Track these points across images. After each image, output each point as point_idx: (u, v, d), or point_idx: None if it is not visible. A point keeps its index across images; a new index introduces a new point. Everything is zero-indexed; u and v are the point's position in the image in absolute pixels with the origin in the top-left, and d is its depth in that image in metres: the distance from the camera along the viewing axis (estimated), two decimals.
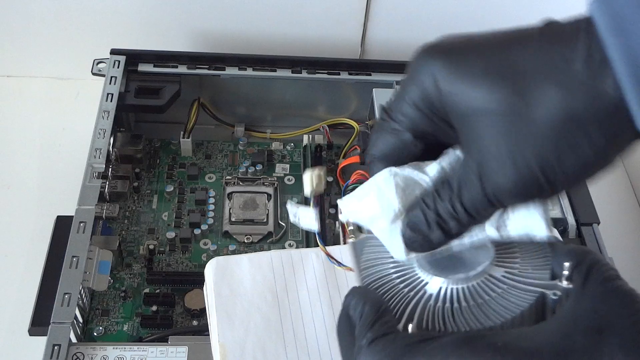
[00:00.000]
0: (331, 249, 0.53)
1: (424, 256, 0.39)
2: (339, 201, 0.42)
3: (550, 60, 0.33)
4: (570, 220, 0.61)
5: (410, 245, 0.38)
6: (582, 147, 0.32)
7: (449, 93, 0.35)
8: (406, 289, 0.39)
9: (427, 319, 0.37)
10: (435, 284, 0.39)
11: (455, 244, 0.38)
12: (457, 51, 0.36)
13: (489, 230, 0.38)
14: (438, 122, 0.37)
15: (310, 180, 0.50)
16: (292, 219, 0.53)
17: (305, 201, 0.72)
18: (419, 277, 0.39)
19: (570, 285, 0.36)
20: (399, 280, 0.39)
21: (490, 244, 0.39)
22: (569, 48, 0.33)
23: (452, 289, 0.38)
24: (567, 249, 0.38)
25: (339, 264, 0.52)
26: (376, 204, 0.39)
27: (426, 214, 0.37)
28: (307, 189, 0.50)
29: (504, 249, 0.40)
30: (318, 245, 0.66)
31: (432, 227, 0.36)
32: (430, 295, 0.38)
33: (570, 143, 0.32)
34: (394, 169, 0.39)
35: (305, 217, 0.52)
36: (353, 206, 0.40)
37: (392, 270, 0.40)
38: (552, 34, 0.34)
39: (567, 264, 0.36)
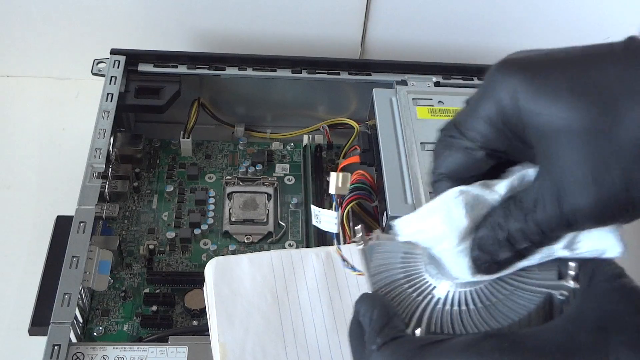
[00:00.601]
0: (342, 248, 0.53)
1: (431, 261, 0.39)
2: (397, 220, 0.40)
3: (636, 78, 0.32)
4: None
5: (478, 265, 0.37)
6: None
7: (529, 110, 0.34)
8: (415, 294, 0.39)
9: (436, 322, 0.37)
10: (443, 288, 0.38)
11: (523, 264, 0.37)
12: (538, 67, 0.34)
13: (558, 251, 0.37)
14: (513, 140, 0.35)
15: (336, 181, 0.49)
16: (314, 220, 0.52)
17: (305, 200, 0.72)
18: (427, 282, 0.39)
19: (577, 285, 0.36)
20: (407, 285, 0.39)
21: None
22: None
23: (459, 292, 0.38)
24: None
25: (353, 268, 0.51)
26: (443, 223, 0.37)
27: (496, 232, 0.35)
28: (332, 189, 0.49)
29: None
30: (318, 245, 0.66)
31: (502, 246, 0.35)
32: (439, 299, 0.38)
33: None
34: (463, 188, 0.37)
35: (326, 219, 0.52)
36: (415, 225, 0.39)
37: (401, 276, 0.40)
38: (637, 51, 0.33)
39: (572, 264, 0.36)
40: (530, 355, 0.32)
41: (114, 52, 0.73)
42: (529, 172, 0.37)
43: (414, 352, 0.34)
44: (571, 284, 0.36)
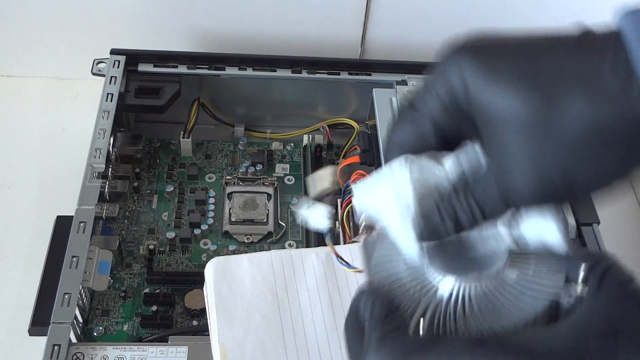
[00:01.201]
0: (338, 248, 0.53)
1: (436, 254, 0.39)
2: (352, 186, 0.41)
3: (582, 70, 0.33)
4: (570, 220, 0.61)
5: (420, 233, 0.37)
6: (604, 159, 0.33)
7: (476, 93, 0.35)
8: (417, 288, 0.39)
9: (439, 318, 0.37)
10: (447, 285, 0.38)
11: (464, 235, 0.38)
12: (489, 51, 0.35)
13: (500, 229, 0.38)
14: (460, 118, 0.37)
15: (325, 178, 0.49)
16: (300, 218, 0.52)
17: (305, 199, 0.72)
18: (430, 277, 0.39)
19: (585, 289, 0.36)
20: (409, 279, 0.39)
21: (505, 245, 0.39)
22: (600, 59, 0.32)
23: (464, 289, 0.38)
24: (583, 252, 0.38)
25: (348, 265, 0.51)
26: (389, 191, 0.38)
27: (439, 205, 0.37)
28: (324, 185, 0.49)
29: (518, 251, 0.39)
30: (318, 245, 0.66)
31: (444, 218, 0.36)
32: (442, 295, 0.38)
33: (592, 153, 0.32)
34: (409, 157, 0.38)
35: (316, 216, 0.52)
36: (365, 193, 0.40)
37: (403, 270, 0.40)
38: (587, 44, 0.33)
39: (582, 266, 0.36)
40: (537, 356, 0.32)
41: (114, 52, 0.73)
42: (476, 147, 0.38)
43: (416, 347, 0.33)
44: (579, 287, 0.36)
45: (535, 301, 0.37)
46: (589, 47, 0.33)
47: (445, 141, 0.38)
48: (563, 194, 0.34)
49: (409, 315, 0.37)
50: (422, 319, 0.36)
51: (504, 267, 0.38)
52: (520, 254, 0.39)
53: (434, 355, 0.33)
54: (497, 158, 0.35)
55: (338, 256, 0.52)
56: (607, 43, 0.33)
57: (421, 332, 0.36)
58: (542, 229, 0.38)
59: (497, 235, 0.38)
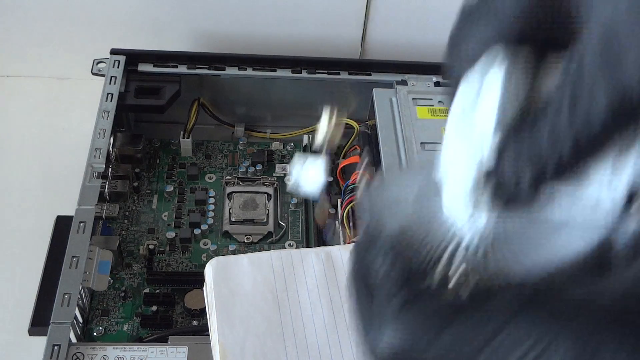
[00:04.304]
0: (338, 248, 0.53)
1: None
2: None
3: None
4: None
5: (497, 195, 0.25)
6: None
7: None
8: (435, 238, 0.28)
9: (466, 272, 0.27)
10: (470, 227, 0.28)
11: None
12: None
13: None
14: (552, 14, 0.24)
15: (328, 127, 0.47)
16: (292, 181, 0.49)
17: (305, 200, 0.72)
18: (448, 222, 0.26)
19: None
20: (423, 228, 0.28)
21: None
22: None
23: (492, 229, 0.27)
24: None
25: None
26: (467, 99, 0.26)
27: (519, 146, 0.24)
28: (322, 136, 0.46)
29: None
30: (318, 245, 0.66)
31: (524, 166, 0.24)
32: (466, 242, 0.27)
33: None
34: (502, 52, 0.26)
35: (311, 171, 0.49)
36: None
37: (414, 216, 0.29)
38: None
39: None
40: (606, 321, 0.24)
41: (114, 52, 0.73)
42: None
43: (454, 312, 0.26)
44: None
45: (575, 240, 0.25)
46: None
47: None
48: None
49: (430, 273, 0.27)
50: (453, 282, 0.27)
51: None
52: None
53: (479, 323, 0.25)
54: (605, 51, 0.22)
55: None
56: None
57: (452, 287, 0.27)
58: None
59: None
